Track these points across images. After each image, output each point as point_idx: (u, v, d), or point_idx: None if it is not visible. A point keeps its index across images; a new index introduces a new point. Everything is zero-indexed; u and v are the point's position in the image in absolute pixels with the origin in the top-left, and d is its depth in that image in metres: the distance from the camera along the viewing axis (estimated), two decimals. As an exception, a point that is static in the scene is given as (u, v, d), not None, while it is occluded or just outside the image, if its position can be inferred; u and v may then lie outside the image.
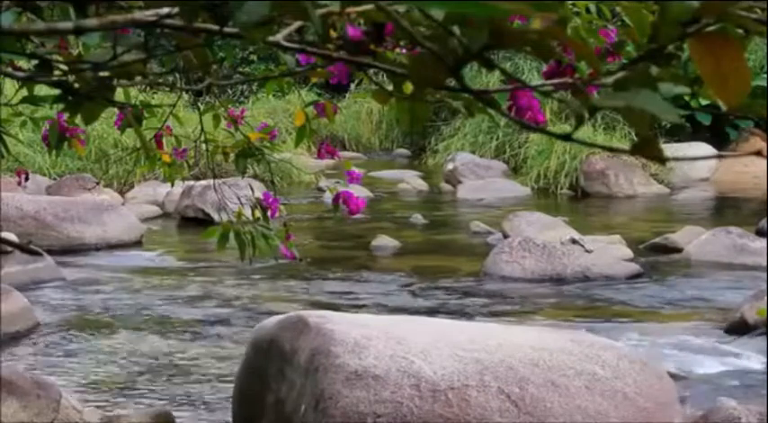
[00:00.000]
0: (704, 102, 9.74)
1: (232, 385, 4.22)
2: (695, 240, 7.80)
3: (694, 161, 12.76)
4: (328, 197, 4.53)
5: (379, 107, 15.16)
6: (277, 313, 4.29)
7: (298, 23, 1.04)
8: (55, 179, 10.44)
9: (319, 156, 2.92)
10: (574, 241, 7.19)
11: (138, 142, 3.16)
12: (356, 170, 2.77)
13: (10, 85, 2.58)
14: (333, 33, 1.05)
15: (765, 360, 4.99)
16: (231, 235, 2.55)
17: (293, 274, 7.20)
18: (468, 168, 12.31)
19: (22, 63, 1.58)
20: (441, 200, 11.48)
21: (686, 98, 9.73)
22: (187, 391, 4.73)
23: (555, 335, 3.92)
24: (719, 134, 12.91)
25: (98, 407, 4.42)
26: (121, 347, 5.43)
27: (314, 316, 3.77)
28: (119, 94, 1.43)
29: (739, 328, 5.52)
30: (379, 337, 3.53)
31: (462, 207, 10.96)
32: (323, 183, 10.90)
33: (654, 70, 0.84)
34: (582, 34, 1.70)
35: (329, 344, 3.48)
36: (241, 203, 2.69)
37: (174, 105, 2.88)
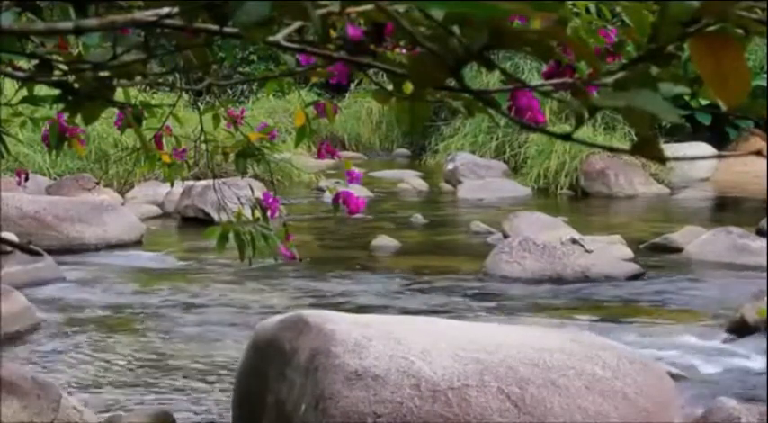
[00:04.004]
0: (704, 102, 9.74)
1: (232, 385, 4.22)
2: (695, 240, 7.80)
3: (694, 161, 12.77)
4: (328, 197, 4.53)
5: (379, 107, 15.16)
6: (277, 313, 4.29)
7: (298, 23, 1.04)
8: (55, 179, 10.44)
9: (319, 156, 2.92)
10: (574, 241, 7.19)
11: (138, 142, 3.16)
12: (356, 170, 2.77)
13: (10, 85, 2.58)
14: (333, 33, 1.05)
15: (765, 360, 4.99)
16: (231, 235, 2.55)
17: (293, 274, 7.20)
18: (468, 168, 12.32)
19: (22, 63, 1.58)
20: (441, 200, 11.48)
21: (686, 98, 9.74)
22: (187, 392, 4.73)
23: (555, 335, 3.92)
24: (719, 134, 12.91)
25: (98, 407, 4.42)
26: (121, 347, 5.43)
27: (314, 316, 3.77)
28: (119, 94, 1.43)
29: (739, 328, 5.52)
30: (379, 337, 3.53)
31: (462, 207, 10.96)
32: (323, 183, 10.91)
33: (654, 70, 0.84)
34: (582, 34, 1.70)
35: (329, 344, 3.48)
36: (241, 203, 2.69)
37: (173, 105, 2.88)
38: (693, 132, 12.65)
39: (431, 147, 14.22)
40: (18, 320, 5.59)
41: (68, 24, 1.07)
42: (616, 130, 11.95)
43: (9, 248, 6.40)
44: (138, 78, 1.39)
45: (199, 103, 3.53)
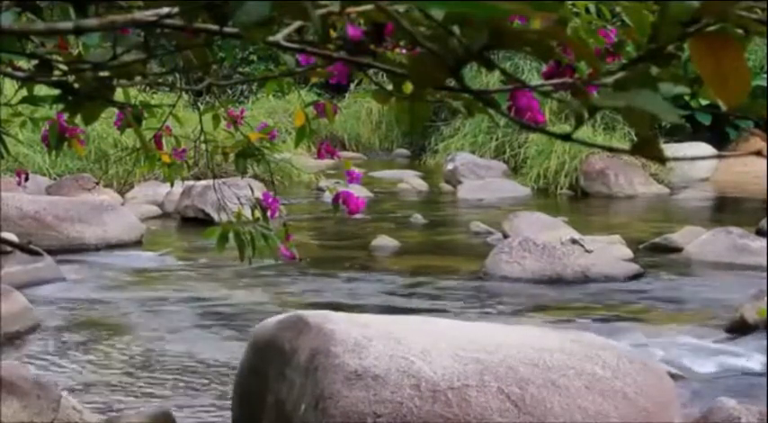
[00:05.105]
0: (704, 102, 9.73)
1: (232, 385, 4.22)
2: (695, 240, 7.80)
3: (694, 161, 12.77)
4: (328, 197, 4.53)
5: (379, 107, 15.17)
6: (277, 313, 4.29)
7: (298, 23, 1.04)
8: (55, 179, 10.44)
9: (319, 156, 2.91)
10: (574, 241, 7.19)
11: (138, 142, 3.16)
12: (356, 170, 2.77)
13: (10, 85, 2.58)
14: (333, 33, 1.05)
15: (765, 360, 4.99)
16: (231, 235, 2.55)
17: (293, 274, 7.19)
18: (468, 168, 12.31)
19: (22, 63, 1.58)
20: (441, 200, 11.48)
21: (686, 98, 9.73)
22: (187, 392, 4.73)
23: (555, 335, 3.92)
24: (719, 134, 12.91)
25: (98, 407, 4.42)
26: (121, 347, 5.43)
27: (314, 316, 3.77)
28: (119, 94, 1.43)
29: (739, 328, 5.52)
30: (379, 337, 3.53)
31: (462, 207, 10.96)
32: (323, 183, 10.91)
33: (654, 70, 0.84)
34: (582, 34, 1.70)
35: (329, 344, 3.48)
36: (241, 203, 2.69)
37: (173, 105, 2.88)
38: (693, 132, 12.65)
39: (431, 147, 14.22)
40: (18, 320, 5.59)
41: (68, 24, 1.07)
42: (616, 130, 11.96)
43: (9, 248, 6.40)
44: (138, 78, 1.39)
45: (199, 103, 3.53)
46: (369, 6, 0.93)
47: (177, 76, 2.43)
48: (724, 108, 0.81)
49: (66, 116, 2.11)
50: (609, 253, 7.34)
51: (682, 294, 6.64)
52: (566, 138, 0.87)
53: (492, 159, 12.83)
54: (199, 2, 1.01)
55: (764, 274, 6.04)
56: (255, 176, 7.37)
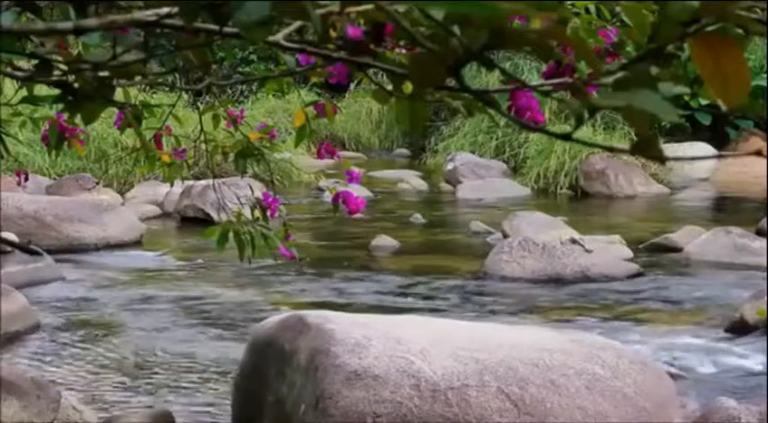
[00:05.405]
0: (704, 102, 9.73)
1: (232, 385, 4.22)
2: (695, 240, 7.80)
3: (694, 161, 12.77)
4: (328, 197, 4.52)
5: (379, 107, 15.16)
6: (277, 313, 4.29)
7: (298, 23, 1.04)
8: (55, 179, 10.44)
9: (319, 156, 2.91)
10: (574, 241, 7.18)
11: (137, 142, 3.16)
12: (356, 170, 2.77)
13: (10, 85, 2.59)
14: (333, 33, 1.05)
15: (765, 360, 4.99)
16: (231, 235, 2.55)
17: (293, 274, 7.19)
18: (468, 168, 12.31)
19: (22, 63, 1.58)
20: (441, 200, 11.48)
21: (686, 98, 9.73)
22: (187, 392, 4.73)
23: (555, 335, 3.92)
24: (719, 134, 12.91)
25: (98, 407, 4.42)
26: (121, 347, 5.43)
27: (314, 316, 3.77)
28: (119, 94, 1.43)
29: (739, 328, 5.52)
30: (379, 337, 3.53)
31: (462, 207, 10.96)
32: (323, 183, 10.91)
33: (654, 70, 0.84)
34: (581, 34, 1.70)
35: (329, 344, 3.49)
36: (241, 203, 2.69)
37: (173, 105, 2.88)
38: (693, 132, 12.65)
39: (431, 147, 14.21)
40: (18, 320, 5.58)
41: (68, 24, 1.07)
42: (616, 130, 11.96)
43: (9, 248, 6.40)
44: (138, 78, 1.39)
45: (199, 103, 3.53)
46: (369, 6, 0.93)
47: (177, 76, 2.44)
48: (724, 108, 0.81)
49: (66, 116, 2.11)
50: (609, 253, 7.34)
51: (682, 294, 6.63)
52: (566, 138, 0.87)
53: (492, 159, 12.82)
54: (199, 2, 1.01)
55: (764, 274, 6.04)
56: (255, 176, 7.37)
